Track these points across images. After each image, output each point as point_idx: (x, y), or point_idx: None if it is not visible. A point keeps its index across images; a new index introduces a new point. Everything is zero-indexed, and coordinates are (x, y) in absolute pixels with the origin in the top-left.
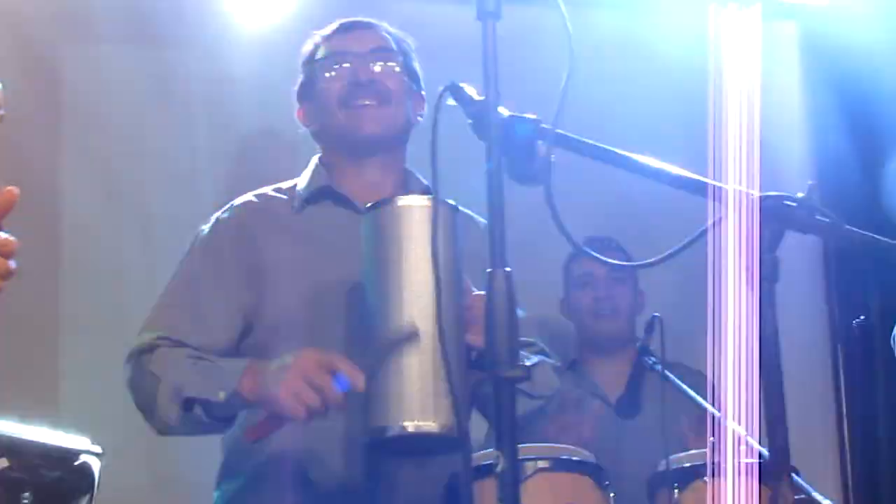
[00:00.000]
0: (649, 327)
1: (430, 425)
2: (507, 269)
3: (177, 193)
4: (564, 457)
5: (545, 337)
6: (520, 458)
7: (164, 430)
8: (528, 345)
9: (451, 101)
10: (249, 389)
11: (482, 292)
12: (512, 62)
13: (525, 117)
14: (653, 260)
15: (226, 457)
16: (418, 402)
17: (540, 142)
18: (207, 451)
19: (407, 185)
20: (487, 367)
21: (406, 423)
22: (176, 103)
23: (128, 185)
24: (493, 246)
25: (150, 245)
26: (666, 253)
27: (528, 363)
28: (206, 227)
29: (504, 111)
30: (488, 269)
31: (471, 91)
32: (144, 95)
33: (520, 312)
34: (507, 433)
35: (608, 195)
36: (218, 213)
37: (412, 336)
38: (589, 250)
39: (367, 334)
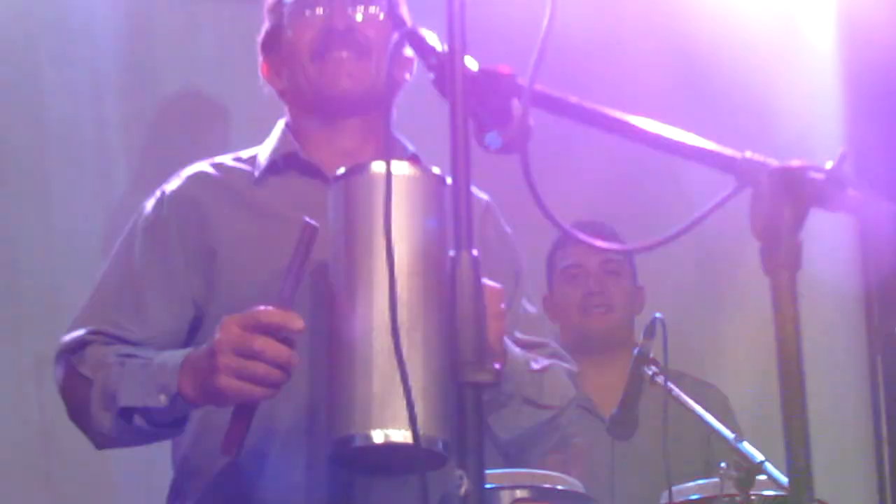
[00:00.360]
0: (649, 329)
1: (403, 435)
2: (474, 251)
3: (81, 171)
4: (547, 485)
5: None
6: (491, 485)
7: (102, 442)
8: (537, 345)
9: (408, 51)
10: (191, 389)
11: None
12: (482, 3)
13: (497, 70)
14: (654, 241)
15: (175, 475)
16: (390, 406)
17: (515, 101)
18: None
19: (391, 154)
20: (451, 370)
21: (373, 433)
22: (80, 60)
23: (25, 163)
24: (457, 224)
25: (50, 233)
26: (670, 233)
27: (535, 366)
28: (149, 203)
29: (472, 63)
30: (451, 252)
31: (432, 39)
32: (41, 53)
33: (531, 308)
34: (473, 450)
35: (600, 171)
36: (164, 185)
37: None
38: (578, 233)
39: (335, 326)
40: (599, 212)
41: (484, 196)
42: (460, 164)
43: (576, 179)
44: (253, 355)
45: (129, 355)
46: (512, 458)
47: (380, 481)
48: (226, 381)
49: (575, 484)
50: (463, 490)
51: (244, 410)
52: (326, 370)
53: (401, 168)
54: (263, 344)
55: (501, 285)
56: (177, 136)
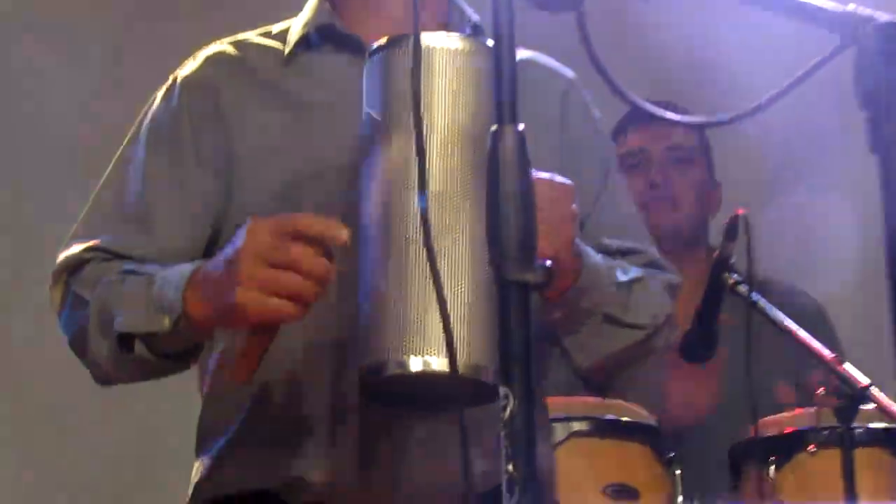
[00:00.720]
0: (730, 230)
1: (442, 363)
2: (520, 126)
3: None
4: (610, 417)
5: None
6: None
7: (101, 376)
8: (630, 253)
9: None
10: (201, 307)
11: (545, 174)
12: None
13: None
14: (740, 112)
15: (203, 411)
16: (428, 329)
17: None
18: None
19: (448, 23)
20: (493, 265)
21: (408, 359)
22: None
23: None
24: (499, 92)
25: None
26: (759, 102)
27: (622, 278)
28: (159, 93)
29: None
30: (493, 127)
31: None
32: None
33: (625, 209)
34: (519, 364)
35: (665, 46)
36: (178, 70)
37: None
38: (646, 103)
39: (365, 231)
40: (670, 91)
41: (568, 72)
42: (503, 21)
43: (639, 56)
44: (287, 265)
45: (131, 272)
46: (597, 388)
47: (419, 419)
48: (248, 295)
49: (646, 416)
50: (507, 412)
51: (262, 336)
52: (358, 285)
53: (448, 40)
54: (300, 253)
55: (588, 181)
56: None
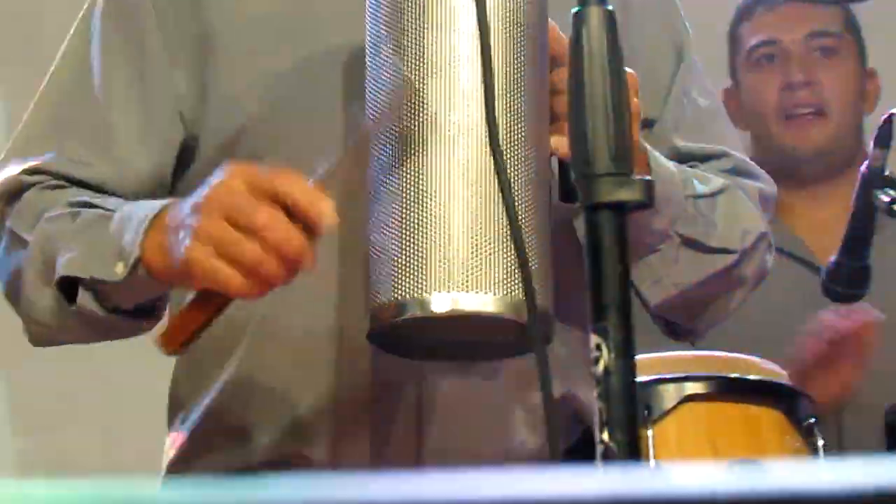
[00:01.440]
0: (883, 135)
1: (483, 302)
2: (608, 6)
3: None
4: (734, 375)
5: None
6: (649, 376)
7: (39, 334)
8: (710, 157)
9: None
10: (159, 256)
11: None
12: None
13: None
14: None
15: (175, 376)
16: (461, 260)
17: None
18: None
19: None
20: (577, 177)
21: (437, 298)
22: None
23: None
24: None
25: None
26: None
27: (703, 189)
28: None
29: None
30: (574, 8)
31: None
32: None
33: (703, 101)
34: (614, 306)
35: None
36: None
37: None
38: None
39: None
40: None
41: None
42: None
43: None
44: (251, 230)
45: (85, 203)
46: (673, 332)
47: (444, 375)
48: (197, 253)
49: (778, 373)
50: (602, 365)
51: (209, 300)
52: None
53: None
54: (270, 221)
55: (656, 64)
56: None
